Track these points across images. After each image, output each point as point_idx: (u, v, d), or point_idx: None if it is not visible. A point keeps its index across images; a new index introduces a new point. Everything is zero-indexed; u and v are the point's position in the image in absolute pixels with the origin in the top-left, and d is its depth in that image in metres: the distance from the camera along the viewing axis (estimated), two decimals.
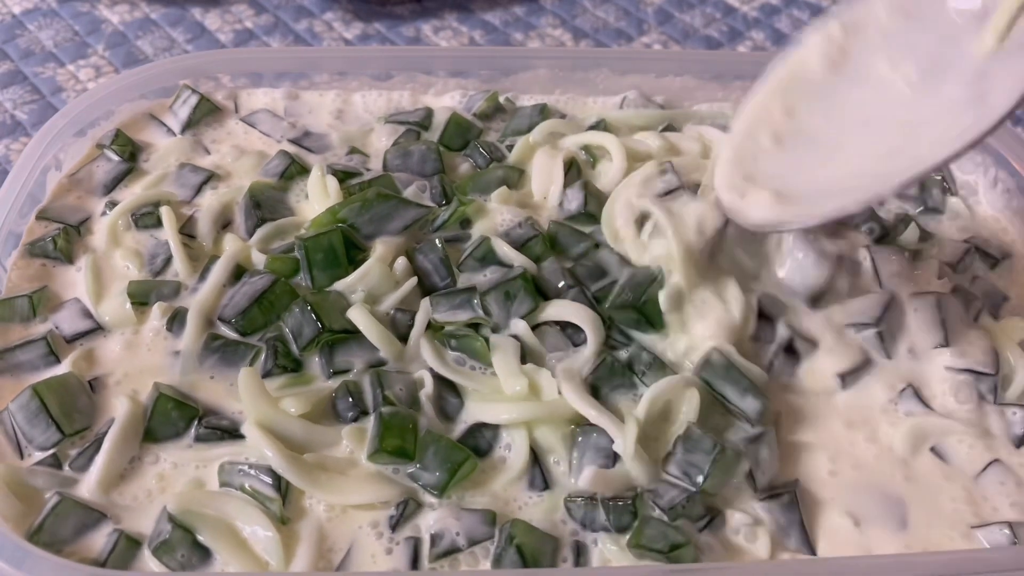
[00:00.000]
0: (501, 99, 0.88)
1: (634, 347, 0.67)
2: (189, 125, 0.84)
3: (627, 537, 0.59)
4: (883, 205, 0.80)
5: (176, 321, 0.68)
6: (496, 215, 0.75)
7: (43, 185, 0.77)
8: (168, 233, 0.73)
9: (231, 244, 0.73)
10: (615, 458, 0.62)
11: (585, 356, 0.66)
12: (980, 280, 0.76)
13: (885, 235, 0.77)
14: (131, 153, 0.81)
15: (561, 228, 0.74)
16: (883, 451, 0.65)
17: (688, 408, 0.63)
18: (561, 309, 0.68)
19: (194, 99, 0.84)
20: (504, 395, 0.64)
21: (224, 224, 0.76)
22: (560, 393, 0.63)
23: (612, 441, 0.61)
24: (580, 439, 0.63)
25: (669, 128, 0.87)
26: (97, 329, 0.69)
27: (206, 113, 0.85)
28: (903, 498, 0.63)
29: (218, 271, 0.70)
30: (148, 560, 0.58)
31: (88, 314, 0.69)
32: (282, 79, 0.88)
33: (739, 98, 0.89)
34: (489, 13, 1.09)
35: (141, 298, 0.70)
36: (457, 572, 0.58)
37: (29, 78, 0.97)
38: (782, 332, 0.68)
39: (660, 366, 0.66)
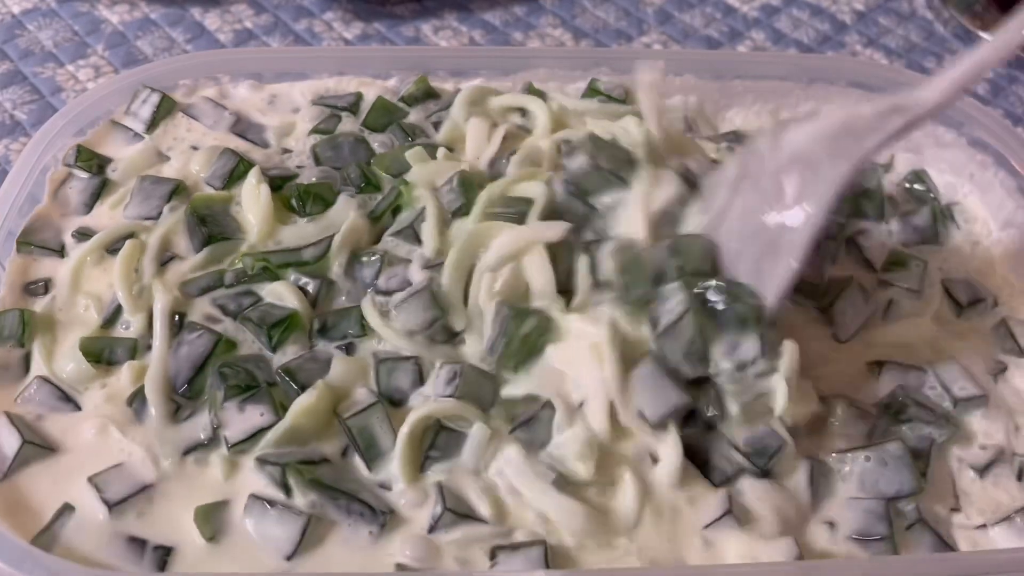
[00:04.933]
0: (437, 84, 0.87)
1: None
2: (153, 125, 0.82)
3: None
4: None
5: (137, 401, 0.65)
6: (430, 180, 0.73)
7: (43, 185, 0.77)
8: (116, 281, 0.70)
9: (161, 294, 0.68)
10: None
11: None
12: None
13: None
14: (98, 166, 0.79)
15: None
16: None
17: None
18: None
19: (155, 97, 0.83)
20: None
21: (169, 257, 0.72)
22: None
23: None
24: None
25: None
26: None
27: (169, 111, 0.83)
28: None
29: (161, 338, 0.66)
30: None
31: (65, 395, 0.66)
32: (282, 79, 0.88)
33: (731, 98, 0.90)
34: (489, 13, 1.09)
35: (94, 356, 0.66)
36: (459, 572, 0.58)
37: (28, 78, 0.97)
38: None
39: None
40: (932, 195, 0.84)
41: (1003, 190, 0.83)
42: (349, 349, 0.68)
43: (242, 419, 0.63)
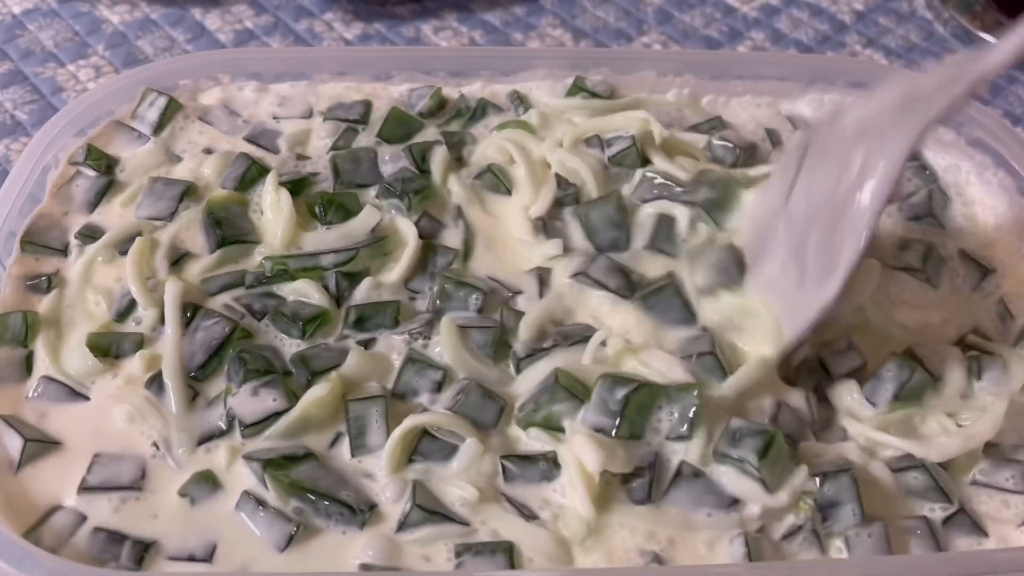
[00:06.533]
0: (452, 92, 0.88)
1: None
2: (160, 127, 0.82)
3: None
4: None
5: (154, 386, 0.66)
6: None
7: (43, 185, 0.77)
8: (129, 274, 0.70)
9: (171, 282, 0.69)
10: None
11: None
12: None
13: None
14: (107, 166, 0.79)
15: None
16: None
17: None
18: None
19: (162, 100, 0.83)
20: None
21: (181, 254, 0.73)
22: None
23: None
24: None
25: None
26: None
27: (175, 114, 0.84)
28: None
29: (173, 323, 0.67)
30: None
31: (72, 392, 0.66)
32: (282, 79, 0.88)
33: (725, 98, 0.90)
34: (489, 13, 1.09)
35: (102, 351, 0.67)
36: (460, 572, 0.58)
37: (29, 78, 0.97)
38: None
39: None
40: (928, 172, 0.85)
41: (1003, 190, 0.83)
42: (368, 344, 0.69)
43: (255, 402, 0.64)
